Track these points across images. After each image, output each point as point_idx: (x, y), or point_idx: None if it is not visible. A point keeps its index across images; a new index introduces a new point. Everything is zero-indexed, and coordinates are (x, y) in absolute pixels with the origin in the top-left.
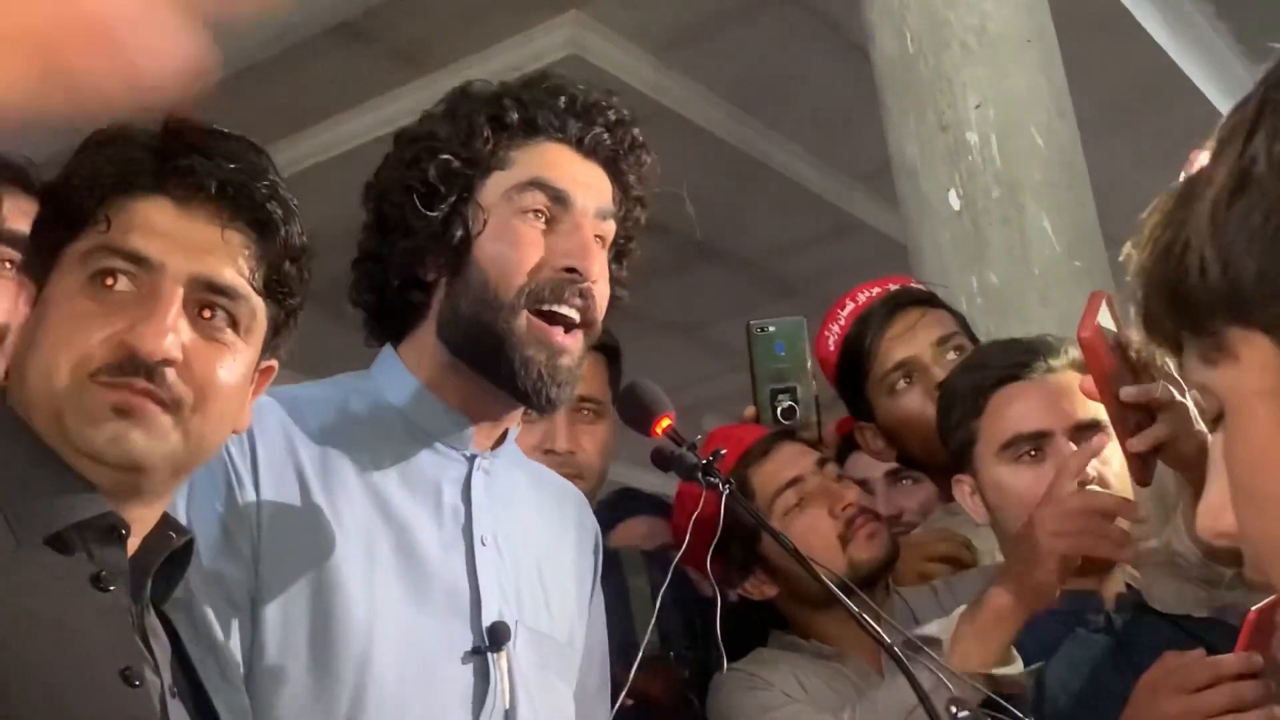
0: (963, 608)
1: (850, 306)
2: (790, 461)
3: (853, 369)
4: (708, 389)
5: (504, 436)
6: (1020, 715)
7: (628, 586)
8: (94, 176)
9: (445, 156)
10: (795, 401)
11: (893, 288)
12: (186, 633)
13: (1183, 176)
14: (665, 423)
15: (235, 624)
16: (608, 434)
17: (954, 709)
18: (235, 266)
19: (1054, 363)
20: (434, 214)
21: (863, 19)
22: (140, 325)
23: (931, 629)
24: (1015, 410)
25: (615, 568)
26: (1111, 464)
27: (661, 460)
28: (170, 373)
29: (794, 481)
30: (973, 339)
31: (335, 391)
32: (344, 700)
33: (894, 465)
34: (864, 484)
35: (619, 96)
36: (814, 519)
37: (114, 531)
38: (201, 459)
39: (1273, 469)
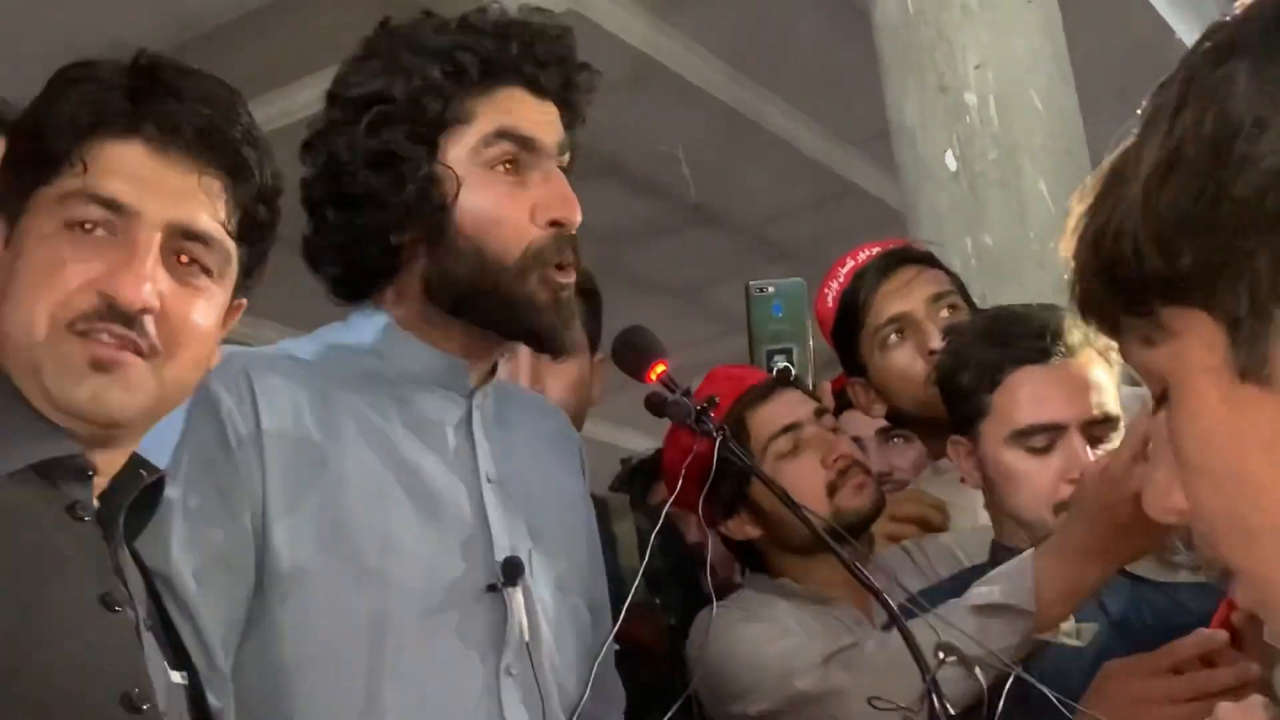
0: (1025, 556)
1: (850, 265)
2: (789, 407)
3: (848, 323)
4: (702, 352)
5: (494, 370)
6: (1031, 678)
7: (614, 532)
8: (67, 117)
9: (406, 124)
10: (791, 363)
11: (893, 247)
12: (167, 599)
13: (1107, 159)
14: (660, 369)
15: (229, 587)
16: (578, 373)
17: (940, 654)
18: (211, 211)
19: (1073, 344)
20: (406, 183)
21: None
22: (119, 273)
23: (993, 595)
24: (1033, 397)
25: (602, 515)
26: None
27: (656, 406)
28: (148, 320)
29: (790, 427)
30: (968, 301)
31: (326, 346)
32: (365, 648)
33: (885, 424)
34: (856, 441)
35: (612, 52)
36: (806, 466)
37: (82, 473)
38: (175, 404)
39: (1221, 444)
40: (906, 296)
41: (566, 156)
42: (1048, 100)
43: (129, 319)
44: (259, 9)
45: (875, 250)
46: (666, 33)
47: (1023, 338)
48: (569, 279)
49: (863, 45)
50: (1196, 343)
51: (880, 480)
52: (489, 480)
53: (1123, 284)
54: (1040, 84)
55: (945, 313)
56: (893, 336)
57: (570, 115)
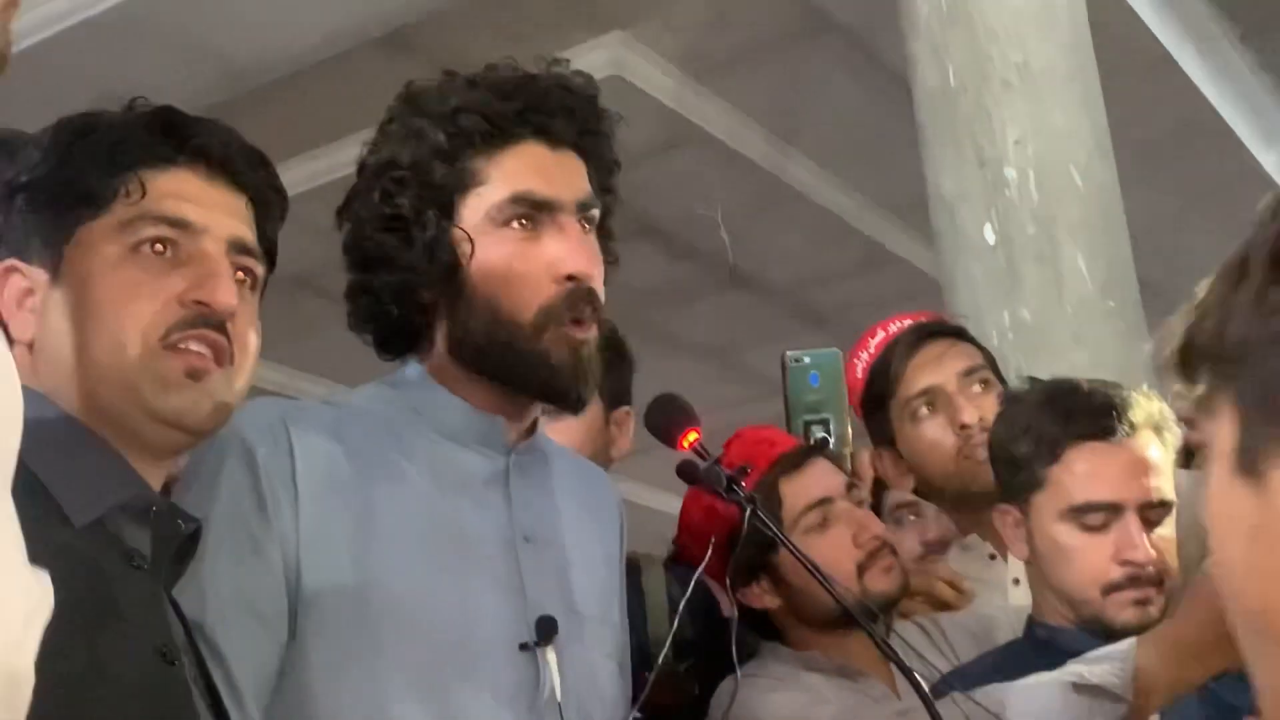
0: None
1: (881, 335)
2: (822, 479)
3: (877, 394)
4: (737, 414)
5: (534, 426)
6: None
7: (645, 594)
8: (105, 155)
9: (417, 189)
10: (828, 433)
11: (923, 320)
12: (202, 649)
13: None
14: (692, 436)
15: (261, 638)
16: (583, 428)
17: None
18: (253, 231)
19: (1136, 420)
20: (417, 248)
21: (905, 51)
22: (206, 282)
23: (1091, 675)
24: (1092, 474)
25: (634, 574)
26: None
27: (688, 474)
28: (230, 327)
29: (823, 501)
30: (999, 376)
31: (366, 398)
32: (397, 700)
33: (903, 498)
34: (912, 505)
35: (653, 116)
36: (836, 543)
37: (146, 512)
38: (230, 417)
39: (1221, 523)
40: (938, 369)
41: (595, 211)
42: (1087, 175)
43: (220, 324)
44: (306, 69)
45: (906, 322)
46: (705, 97)
47: (1086, 412)
48: (587, 334)
49: (902, 113)
50: (1224, 424)
51: (937, 547)
52: (525, 539)
53: (1188, 347)
54: (1079, 159)
55: (977, 387)
56: (924, 409)
57: (596, 164)
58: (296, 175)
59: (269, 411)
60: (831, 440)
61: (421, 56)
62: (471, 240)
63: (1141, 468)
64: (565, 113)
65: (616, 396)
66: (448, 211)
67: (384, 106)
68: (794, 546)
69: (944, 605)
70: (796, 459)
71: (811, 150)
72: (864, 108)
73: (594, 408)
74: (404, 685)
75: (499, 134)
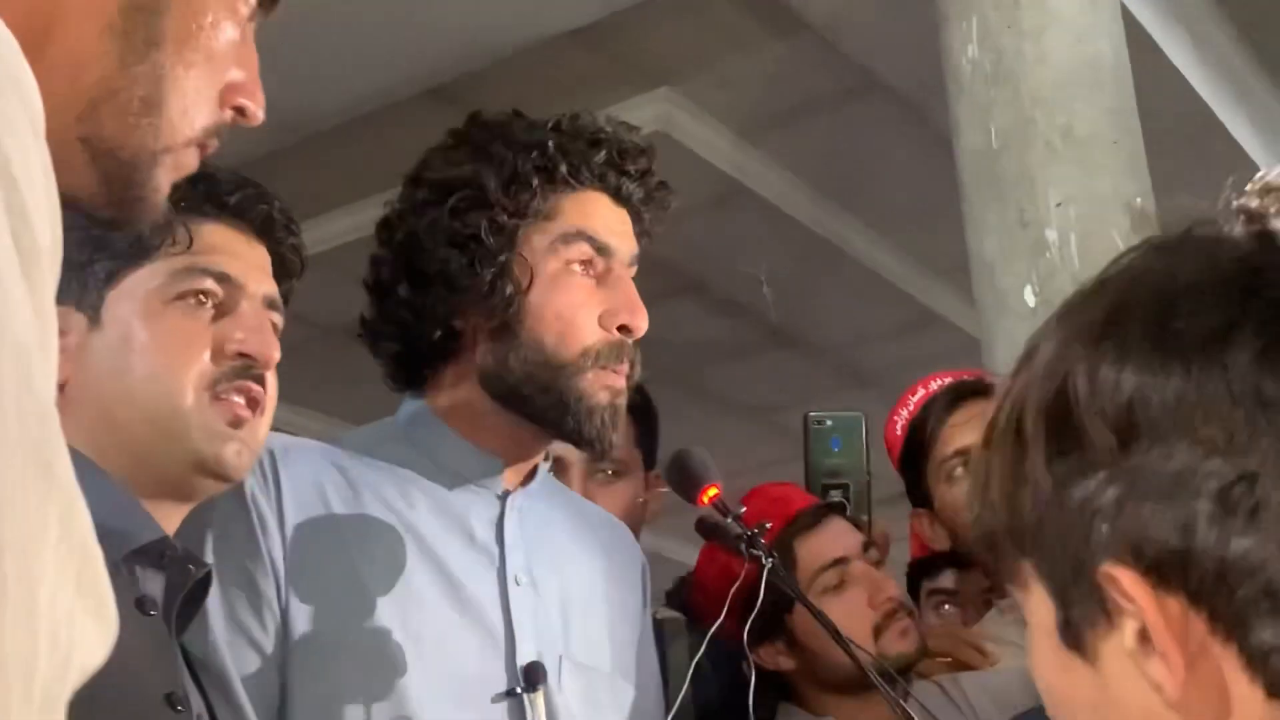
0: None
1: (921, 393)
2: (838, 539)
3: (915, 453)
4: (773, 474)
5: (534, 472)
6: None
7: (666, 654)
8: None
9: (495, 212)
10: (846, 498)
11: (970, 379)
12: (209, 685)
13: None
14: (712, 492)
15: (265, 674)
16: (629, 494)
17: None
18: (277, 287)
19: None
20: (483, 271)
21: (949, 113)
22: (253, 335)
23: None
24: None
25: (657, 636)
26: None
27: (706, 529)
28: (266, 377)
29: (839, 561)
30: None
31: (362, 440)
32: None
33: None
34: (953, 594)
35: (699, 173)
36: (852, 604)
37: (161, 556)
38: None
39: (1056, 701)
40: (973, 429)
41: (634, 268)
42: (1130, 241)
43: (260, 376)
44: (353, 120)
45: (947, 380)
46: (752, 156)
47: None
48: (621, 383)
49: (948, 174)
50: (1038, 599)
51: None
52: (517, 582)
53: (985, 524)
54: (1123, 224)
55: None
56: (959, 469)
57: (641, 229)
58: (343, 225)
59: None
60: (849, 506)
61: (467, 110)
62: (532, 272)
63: None
64: (639, 176)
65: (651, 459)
66: (513, 239)
67: (378, 179)
68: (812, 605)
69: (966, 666)
70: (813, 517)
71: (858, 210)
72: (911, 169)
73: (639, 470)
74: None
75: (574, 177)
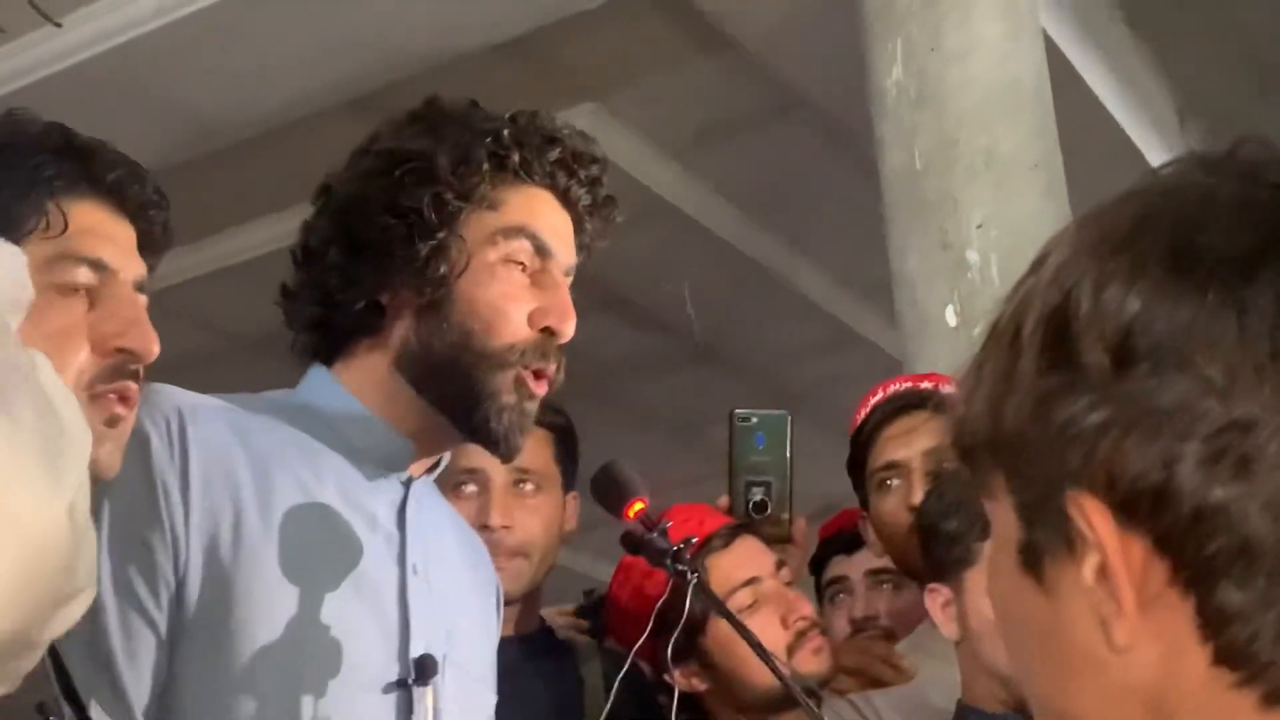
0: None
1: (877, 397)
2: (750, 559)
3: (855, 458)
4: (696, 490)
5: (438, 464)
6: None
7: (581, 676)
8: (23, 179)
9: (440, 189)
10: (769, 496)
11: (925, 385)
12: (81, 655)
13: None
14: (638, 506)
15: (151, 641)
16: (551, 509)
17: None
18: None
19: None
20: (419, 246)
21: (874, 133)
22: (131, 329)
23: None
24: None
25: (568, 656)
26: None
27: (631, 543)
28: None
29: (751, 581)
30: None
31: (267, 406)
32: (269, 714)
33: (877, 564)
34: (842, 580)
35: (625, 189)
36: (764, 624)
37: None
38: None
39: (1009, 617)
40: (906, 444)
41: (570, 278)
42: None
43: (138, 372)
44: (275, 129)
45: (906, 386)
46: (678, 173)
47: None
48: (538, 389)
49: (872, 195)
50: (1003, 513)
51: (863, 625)
52: (415, 572)
53: (962, 425)
54: (1042, 245)
55: (947, 469)
56: (892, 480)
57: (583, 241)
58: (261, 236)
59: (167, 400)
60: (770, 503)
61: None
62: (469, 258)
63: None
64: (590, 183)
65: (570, 479)
66: (455, 220)
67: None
68: (736, 619)
69: (879, 683)
70: (724, 538)
71: (783, 229)
72: (836, 188)
73: (556, 489)
74: (276, 706)
75: (525, 170)
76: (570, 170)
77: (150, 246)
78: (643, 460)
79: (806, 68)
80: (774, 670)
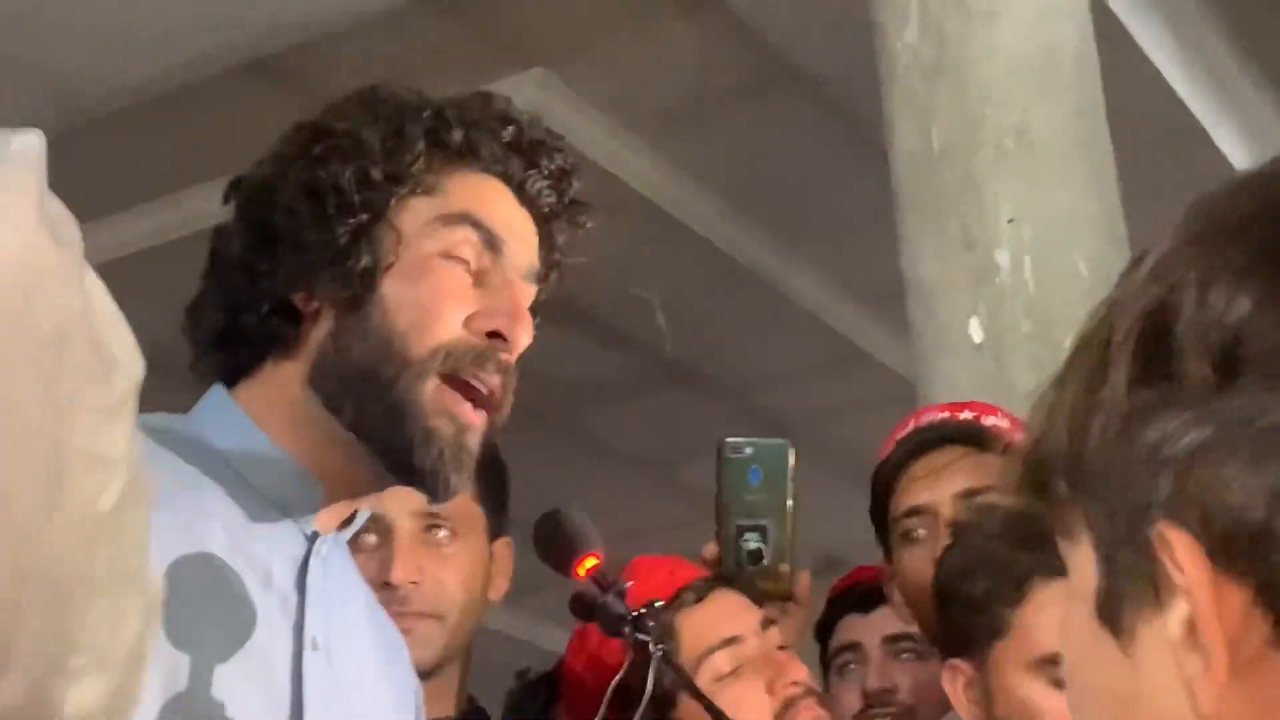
0: None
1: (907, 429)
2: (730, 616)
3: (876, 503)
4: (675, 539)
5: (351, 519)
6: None
7: None
8: None
9: (365, 165)
10: (764, 543)
11: (963, 415)
12: None
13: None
14: (590, 562)
15: None
16: (471, 561)
17: None
18: None
19: None
20: (339, 230)
21: (881, 109)
22: None
23: None
24: None
25: None
26: None
27: (582, 608)
28: None
29: (731, 641)
30: None
31: (149, 432)
32: None
33: (898, 629)
34: (855, 648)
35: (580, 174)
36: (748, 692)
37: None
38: None
39: (1080, 673)
40: (933, 486)
41: (532, 290)
42: (1094, 265)
43: None
44: (155, 99)
45: (936, 417)
46: (645, 155)
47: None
48: (470, 416)
49: (879, 183)
50: (1080, 555)
51: (877, 699)
52: (314, 646)
53: (1043, 460)
54: (1085, 246)
55: None
56: (919, 531)
57: (548, 246)
58: (140, 229)
59: None
60: (767, 552)
61: (297, 89)
62: (399, 250)
63: None
64: (547, 176)
65: (499, 523)
66: (385, 207)
67: (251, 145)
68: (706, 698)
69: None
70: (698, 590)
71: (771, 224)
72: (836, 176)
73: (482, 535)
74: None
75: (471, 151)
76: (528, 159)
77: None
78: (606, 502)
79: (802, 31)
80: None
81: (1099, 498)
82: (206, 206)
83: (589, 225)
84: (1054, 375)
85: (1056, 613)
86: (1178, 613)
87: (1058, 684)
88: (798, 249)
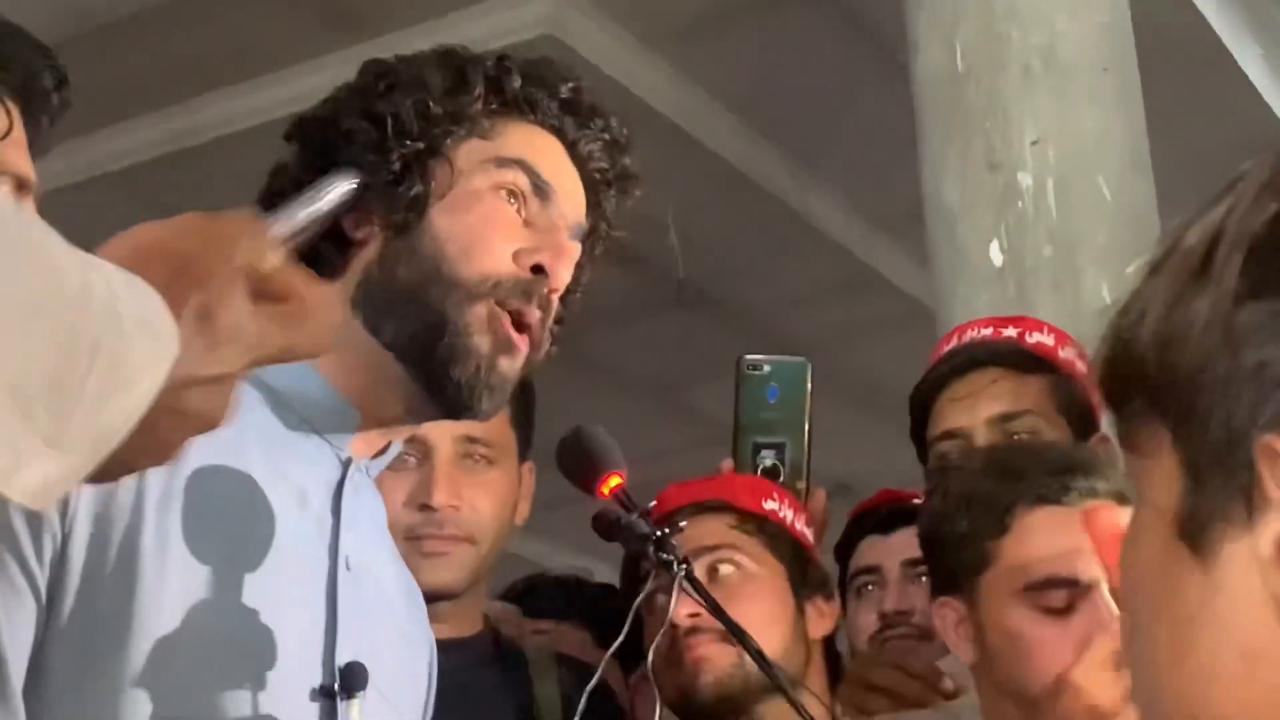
0: None
1: (949, 345)
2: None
3: (915, 422)
4: (684, 463)
5: (385, 449)
6: None
7: (534, 694)
8: None
9: (425, 99)
10: (781, 461)
11: (1007, 332)
12: None
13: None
14: (614, 481)
15: (28, 603)
16: (504, 486)
17: None
18: None
19: (1099, 486)
20: (393, 156)
21: (904, 25)
22: None
23: None
24: (1052, 544)
25: (520, 669)
26: None
27: (605, 527)
28: None
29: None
30: (1085, 426)
31: None
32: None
33: (917, 554)
34: (873, 571)
35: (593, 88)
36: None
37: None
38: None
39: (1145, 597)
40: (970, 409)
41: (577, 247)
42: (1118, 188)
43: None
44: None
45: (986, 331)
46: (659, 69)
47: (1040, 472)
48: (516, 342)
49: (901, 102)
50: (1160, 472)
51: (894, 621)
52: (347, 567)
53: (1114, 365)
54: (1110, 168)
55: (1016, 439)
56: (952, 455)
57: (595, 213)
58: (149, 136)
59: None
60: (783, 470)
61: (301, 3)
62: (452, 181)
63: (1112, 534)
64: (600, 141)
65: (525, 446)
66: (442, 141)
67: (260, 57)
68: (730, 618)
69: (906, 704)
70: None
71: (787, 141)
72: (855, 93)
73: (510, 459)
74: (167, 713)
75: (528, 103)
76: (583, 120)
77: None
78: (615, 425)
79: None
80: (770, 675)
81: (1191, 414)
82: (217, 114)
83: (636, 197)
84: (1132, 291)
85: (1041, 539)
86: (1271, 530)
87: (1046, 610)
88: (813, 167)
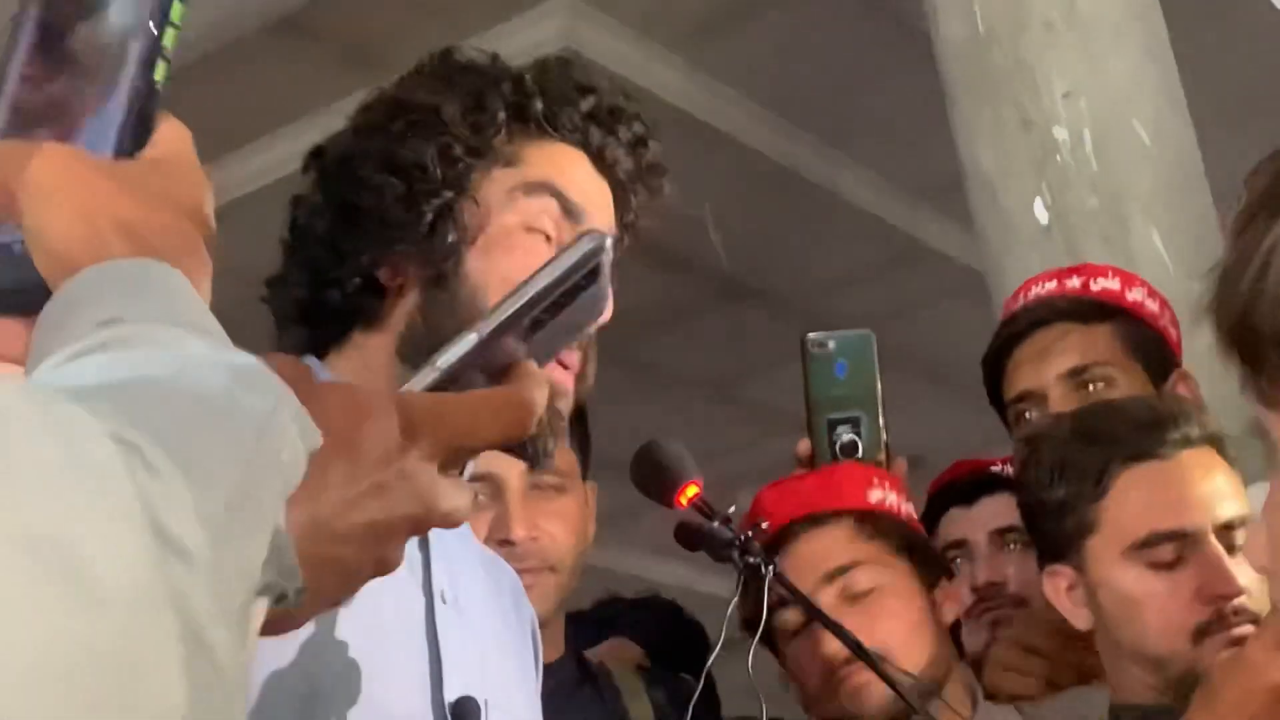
0: None
1: (1019, 302)
2: (840, 545)
3: (991, 386)
4: (740, 460)
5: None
6: None
7: (627, 710)
8: None
9: (448, 140)
10: (858, 435)
11: (1071, 282)
12: None
13: None
14: (691, 491)
15: None
16: (576, 511)
17: None
18: None
19: (1191, 433)
20: (424, 208)
21: (923, 0)
22: None
23: None
24: (1152, 500)
25: (608, 689)
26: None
27: (688, 536)
28: None
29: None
30: (1161, 372)
31: None
32: None
33: (1005, 521)
34: (961, 545)
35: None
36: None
37: None
38: None
39: None
40: (1038, 369)
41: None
42: (1156, 132)
43: None
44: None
45: (1051, 285)
46: (681, 70)
47: (1129, 430)
48: (567, 381)
49: (927, 73)
50: None
51: (989, 593)
52: (444, 600)
53: (1249, 323)
54: (1145, 113)
55: (1088, 390)
56: (1029, 415)
57: (625, 218)
58: None
59: None
60: (862, 443)
61: (326, 43)
62: (482, 223)
63: (1207, 483)
64: (626, 142)
65: (586, 466)
66: (465, 177)
67: (285, 106)
68: (830, 620)
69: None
70: (809, 519)
71: (817, 126)
72: (880, 69)
73: (577, 483)
74: None
75: (550, 122)
76: (606, 127)
77: None
78: (675, 427)
79: None
80: (882, 675)
81: None
82: (243, 172)
83: (664, 189)
84: (1238, 241)
85: (1140, 497)
86: None
87: (1155, 566)
88: (846, 148)
